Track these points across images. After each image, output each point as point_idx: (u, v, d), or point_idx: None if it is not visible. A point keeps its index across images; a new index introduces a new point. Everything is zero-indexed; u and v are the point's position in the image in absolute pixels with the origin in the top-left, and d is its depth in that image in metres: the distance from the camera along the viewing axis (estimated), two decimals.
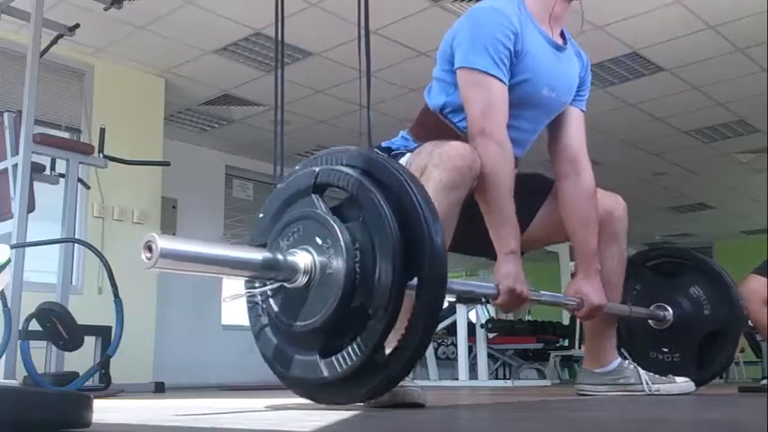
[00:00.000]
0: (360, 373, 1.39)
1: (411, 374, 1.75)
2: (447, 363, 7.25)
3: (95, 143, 3.99)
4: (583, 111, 2.29)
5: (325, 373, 1.41)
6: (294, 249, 1.46)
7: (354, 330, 1.38)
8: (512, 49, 2.01)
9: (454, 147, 1.82)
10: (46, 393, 1.07)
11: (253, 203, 7.93)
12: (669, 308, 2.54)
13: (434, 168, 1.78)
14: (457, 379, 5.83)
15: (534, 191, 2.26)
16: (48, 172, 3.75)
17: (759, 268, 3.29)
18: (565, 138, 2.25)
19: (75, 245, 3.79)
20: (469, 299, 2.00)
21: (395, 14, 4.75)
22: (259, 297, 1.57)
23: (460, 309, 5.92)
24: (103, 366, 3.14)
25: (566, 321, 7.53)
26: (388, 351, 1.39)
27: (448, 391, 3.61)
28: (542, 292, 2.01)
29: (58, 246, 3.53)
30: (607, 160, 7.21)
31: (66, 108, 5.18)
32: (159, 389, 4.01)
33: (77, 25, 4.04)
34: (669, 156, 7.64)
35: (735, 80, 5.79)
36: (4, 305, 2.93)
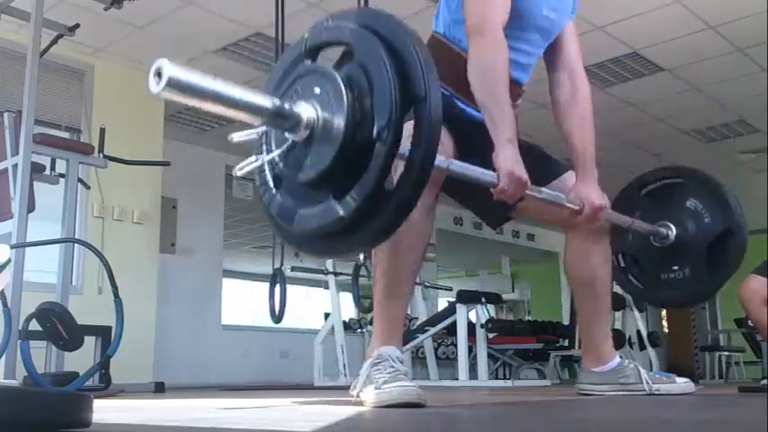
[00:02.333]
0: (372, 205, 1.40)
1: (410, 374, 1.75)
2: (447, 363, 7.25)
3: (95, 143, 3.99)
4: (572, 18, 2.31)
5: (341, 212, 1.41)
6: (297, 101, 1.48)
7: (362, 163, 1.39)
8: None
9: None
10: (46, 393, 1.08)
11: (253, 203, 7.92)
12: (671, 224, 2.52)
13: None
14: (457, 379, 5.82)
15: (547, 169, 2.23)
16: (48, 172, 3.75)
17: (759, 268, 3.29)
18: (562, 49, 2.28)
19: (75, 245, 3.79)
20: (469, 188, 1.90)
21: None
22: (267, 165, 1.61)
23: (460, 309, 5.92)
24: (103, 366, 3.14)
25: (566, 321, 7.53)
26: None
27: (448, 391, 3.61)
28: (542, 189, 1.97)
29: (57, 246, 3.53)
30: (607, 160, 7.16)
31: (66, 108, 5.18)
32: (159, 389, 4.01)
33: (77, 25, 4.04)
34: (669, 156, 7.63)
35: (735, 80, 5.79)
36: (4, 305, 2.93)
